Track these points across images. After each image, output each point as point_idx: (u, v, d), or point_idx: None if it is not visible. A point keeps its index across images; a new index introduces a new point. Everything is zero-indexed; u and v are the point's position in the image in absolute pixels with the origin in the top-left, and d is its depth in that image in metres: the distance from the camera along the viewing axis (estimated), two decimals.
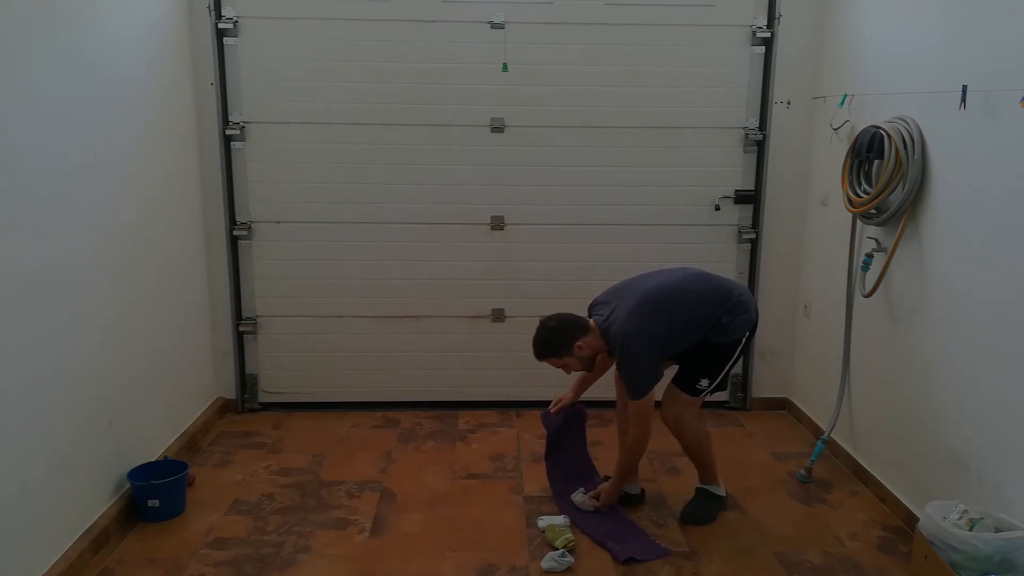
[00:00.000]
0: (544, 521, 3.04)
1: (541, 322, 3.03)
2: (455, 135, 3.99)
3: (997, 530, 2.43)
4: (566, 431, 3.31)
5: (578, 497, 3.14)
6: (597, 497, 3.12)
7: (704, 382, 2.99)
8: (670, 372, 3.10)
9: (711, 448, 3.17)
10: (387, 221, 4.06)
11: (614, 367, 3.05)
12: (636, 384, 2.89)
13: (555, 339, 2.98)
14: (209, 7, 3.78)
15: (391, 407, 4.23)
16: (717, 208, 4.08)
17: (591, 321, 3.02)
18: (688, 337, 2.95)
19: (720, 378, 3.01)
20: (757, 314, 3.07)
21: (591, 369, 3.14)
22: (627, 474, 3.13)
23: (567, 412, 3.29)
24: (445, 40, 3.89)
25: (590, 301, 3.15)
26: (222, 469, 3.54)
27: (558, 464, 3.33)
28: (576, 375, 3.23)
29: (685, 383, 3.02)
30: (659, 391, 3.14)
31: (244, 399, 4.21)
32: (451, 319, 4.19)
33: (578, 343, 2.96)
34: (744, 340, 2.99)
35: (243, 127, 3.93)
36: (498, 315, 4.19)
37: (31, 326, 2.54)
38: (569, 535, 2.91)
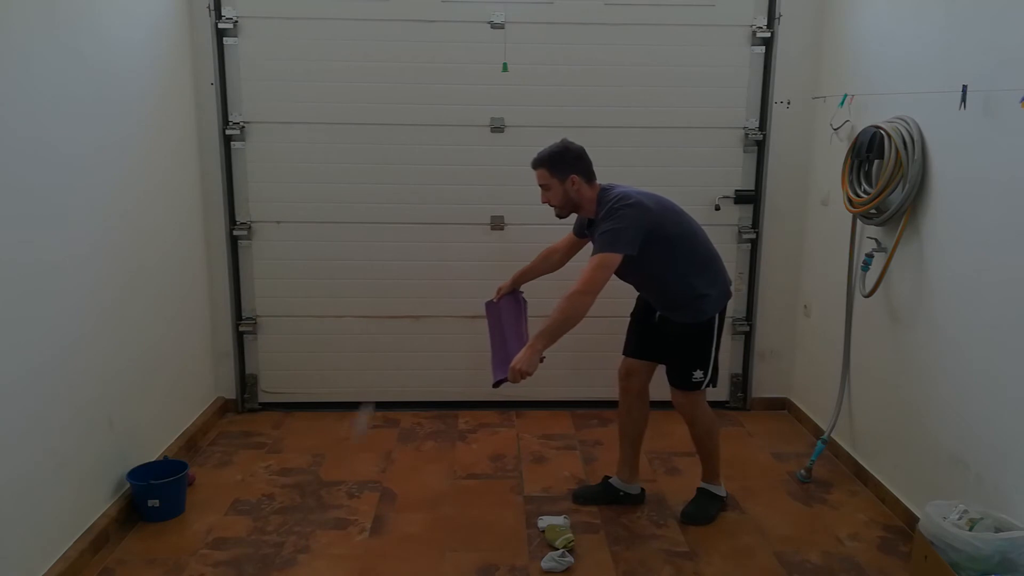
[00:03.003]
0: (544, 521, 3.04)
1: (563, 139, 2.97)
2: (455, 135, 3.99)
3: (997, 530, 2.43)
4: (507, 315, 3.22)
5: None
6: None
7: (698, 373, 2.99)
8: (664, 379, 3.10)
9: (719, 443, 3.17)
10: (387, 221, 4.06)
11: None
12: (609, 237, 2.78)
13: (562, 157, 2.91)
14: (209, 7, 3.78)
15: (391, 407, 4.23)
16: (717, 208, 4.08)
17: (597, 182, 2.98)
18: (670, 253, 2.87)
19: (711, 367, 3.01)
20: (728, 297, 3.05)
21: (563, 216, 3.02)
22: (552, 336, 2.77)
23: (508, 299, 3.24)
24: (445, 40, 3.89)
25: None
26: (222, 469, 3.54)
27: (498, 347, 3.20)
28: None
29: (681, 380, 3.02)
30: (656, 393, 3.15)
31: (244, 399, 4.21)
32: (451, 319, 4.19)
33: (575, 176, 2.90)
34: (717, 321, 2.99)
35: (243, 127, 3.93)
36: None
37: (30, 326, 2.54)
38: (569, 535, 2.91)
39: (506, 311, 3.24)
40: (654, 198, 2.92)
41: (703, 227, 4.13)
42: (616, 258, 2.77)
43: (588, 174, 2.94)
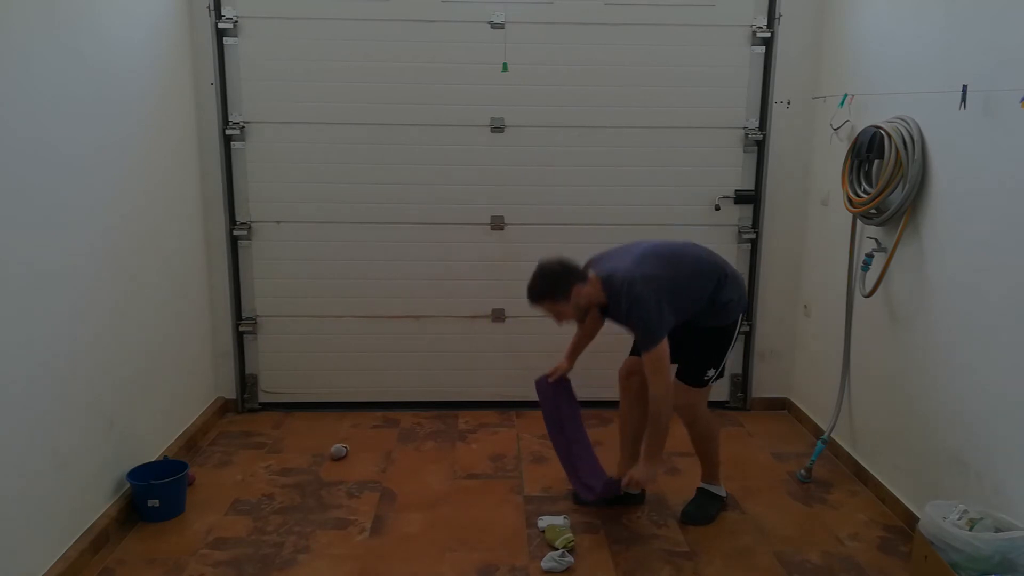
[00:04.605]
0: (544, 521, 3.04)
1: (540, 263, 2.93)
2: (455, 135, 3.99)
3: (997, 530, 2.44)
4: (561, 400, 3.25)
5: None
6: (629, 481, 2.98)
7: (711, 372, 3.01)
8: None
9: (718, 444, 3.18)
10: (387, 221, 4.06)
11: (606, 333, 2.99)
12: (648, 331, 2.79)
13: (554, 281, 2.87)
14: (209, 7, 3.78)
15: (391, 407, 4.23)
16: (717, 208, 4.08)
17: (591, 273, 2.95)
18: (692, 296, 2.89)
19: (722, 366, 3.03)
20: (745, 296, 3.09)
21: (583, 320, 3.04)
22: (660, 444, 2.91)
23: (561, 382, 3.24)
24: (445, 40, 3.89)
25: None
26: (222, 469, 3.54)
27: (559, 436, 3.26)
28: (566, 347, 3.25)
29: (693, 377, 3.02)
30: None
31: (244, 399, 4.21)
32: (451, 319, 4.19)
33: (575, 286, 2.87)
34: (739, 323, 3.02)
35: (243, 127, 3.93)
36: (498, 315, 4.19)
37: (30, 326, 2.54)
38: (569, 535, 2.91)
39: (561, 400, 3.25)
40: (651, 256, 2.88)
41: (703, 226, 4.16)
42: (664, 345, 2.80)
43: (582, 277, 2.90)
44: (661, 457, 2.96)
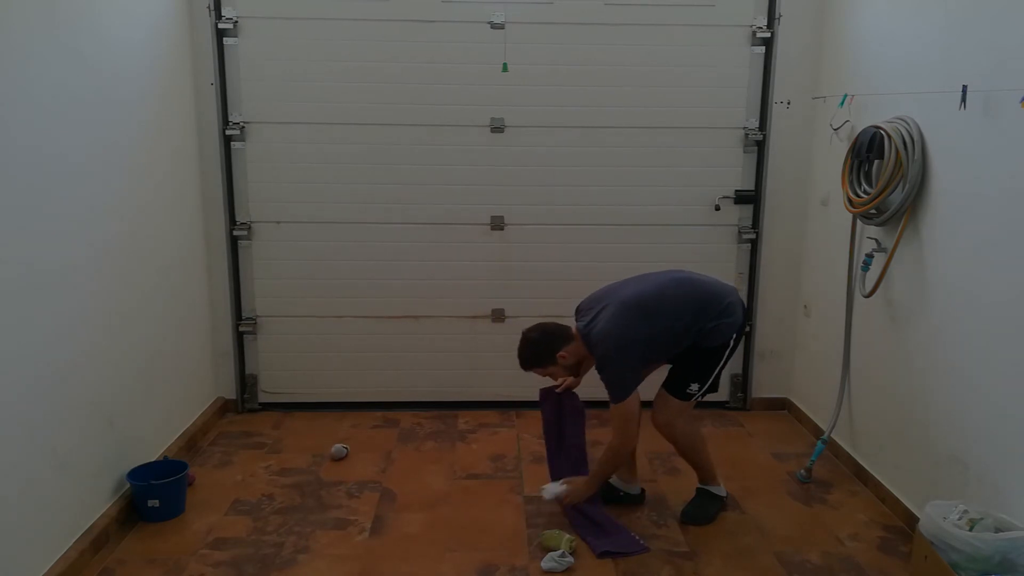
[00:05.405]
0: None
1: (524, 334, 3.03)
2: (455, 135, 3.99)
3: (997, 530, 2.44)
4: (563, 417, 3.25)
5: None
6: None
7: (694, 387, 3.00)
8: (660, 375, 3.11)
9: (706, 449, 3.17)
10: (387, 221, 4.06)
11: None
12: (615, 387, 2.87)
13: (538, 350, 2.99)
14: (209, 7, 3.78)
15: (391, 407, 4.23)
16: (717, 208, 4.08)
17: (573, 328, 3.01)
18: (673, 341, 2.94)
19: (710, 382, 3.02)
20: (744, 316, 3.07)
21: (577, 375, 3.15)
22: (603, 477, 3.06)
23: (565, 398, 3.24)
24: (445, 40, 3.89)
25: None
26: (222, 469, 3.54)
27: (555, 452, 3.28)
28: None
29: (675, 388, 3.02)
30: (649, 393, 3.13)
31: (244, 399, 4.21)
32: (451, 319, 4.19)
33: (561, 352, 2.96)
34: (731, 343, 2.99)
35: (243, 127, 3.93)
36: (498, 315, 4.19)
37: (31, 327, 2.54)
38: (569, 536, 2.91)
39: (563, 417, 3.25)
40: (628, 310, 2.87)
41: (703, 226, 4.14)
42: (631, 400, 2.87)
43: (565, 338, 2.98)
44: (596, 488, 3.05)
